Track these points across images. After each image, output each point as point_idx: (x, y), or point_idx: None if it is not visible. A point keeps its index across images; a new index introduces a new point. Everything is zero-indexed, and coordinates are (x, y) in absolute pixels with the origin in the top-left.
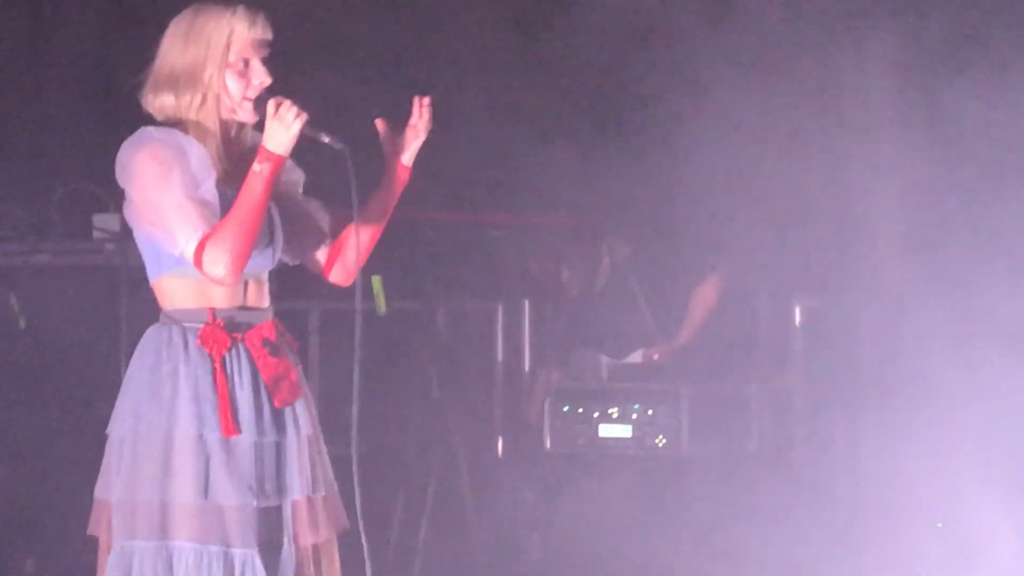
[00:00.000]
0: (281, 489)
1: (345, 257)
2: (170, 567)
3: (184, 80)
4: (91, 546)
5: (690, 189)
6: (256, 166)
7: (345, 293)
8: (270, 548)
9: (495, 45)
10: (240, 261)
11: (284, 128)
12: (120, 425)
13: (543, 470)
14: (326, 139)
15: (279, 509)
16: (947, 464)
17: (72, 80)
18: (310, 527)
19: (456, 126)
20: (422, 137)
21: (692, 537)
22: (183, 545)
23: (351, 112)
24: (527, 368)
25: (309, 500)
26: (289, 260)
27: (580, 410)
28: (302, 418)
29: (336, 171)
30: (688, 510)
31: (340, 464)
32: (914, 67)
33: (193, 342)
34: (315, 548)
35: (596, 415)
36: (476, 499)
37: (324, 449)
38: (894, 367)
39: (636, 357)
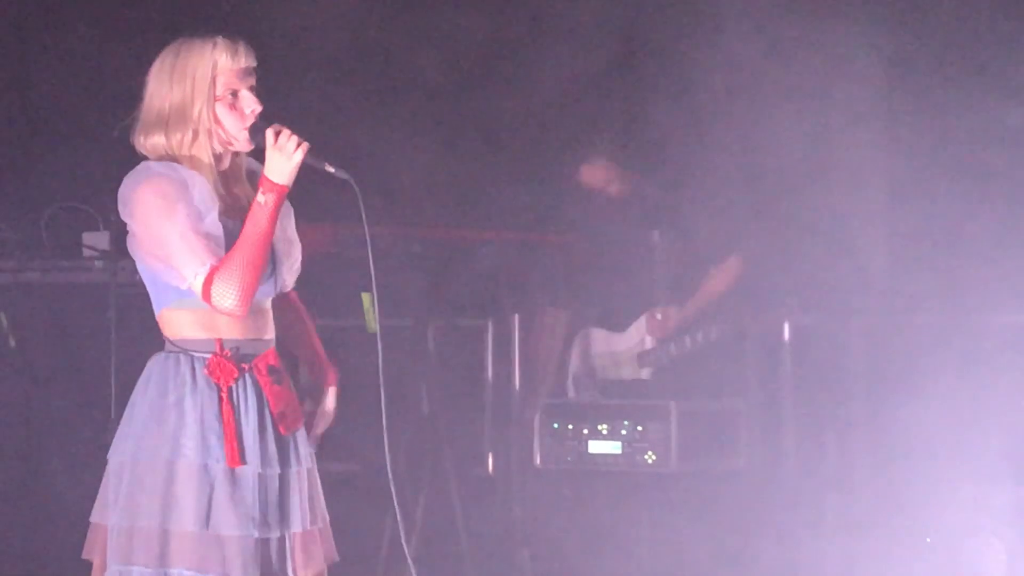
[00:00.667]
0: (283, 521)
1: (284, 312)
2: None
3: (173, 119)
4: (83, 565)
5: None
6: (260, 197)
7: (335, 310)
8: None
9: (477, 59)
10: (249, 293)
11: (285, 158)
12: (121, 451)
13: (533, 486)
14: (330, 169)
15: (281, 540)
16: (937, 479)
17: (62, 99)
18: (308, 560)
19: (445, 143)
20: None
21: (683, 553)
22: (183, 573)
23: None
24: (517, 384)
25: (307, 533)
26: (288, 286)
27: (570, 426)
28: (303, 448)
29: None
30: (678, 526)
31: (329, 480)
32: (905, 77)
33: (201, 372)
34: None
35: (586, 431)
36: (466, 515)
37: (318, 479)
38: (884, 383)
39: (639, 327)
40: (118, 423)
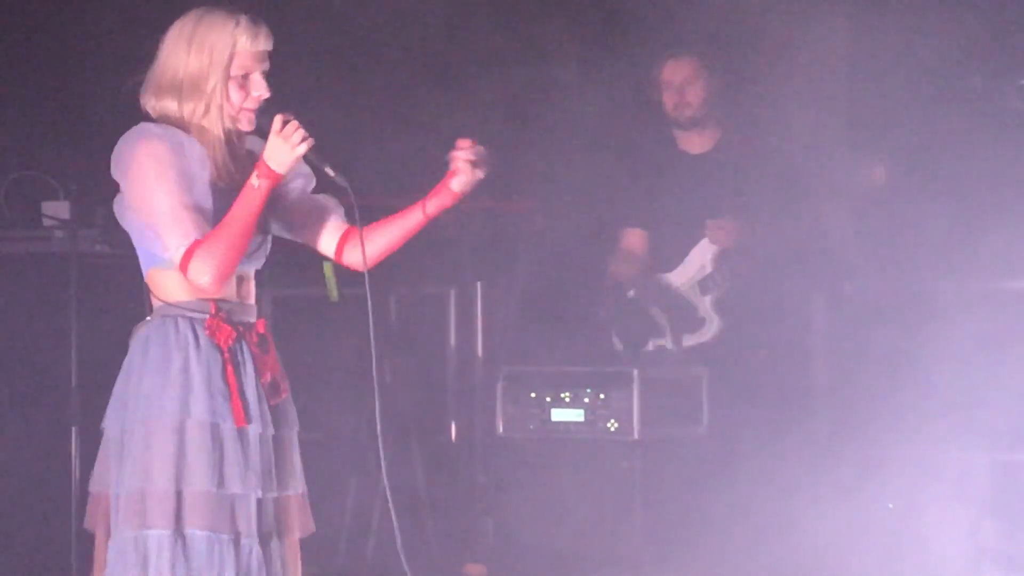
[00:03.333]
0: (281, 482)
1: (361, 248)
2: (184, 555)
3: (187, 88)
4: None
5: None
6: (254, 180)
7: (297, 279)
8: (263, 540)
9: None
10: (225, 274)
11: (288, 148)
12: (120, 417)
13: (496, 454)
14: (330, 172)
15: (271, 502)
16: (901, 445)
17: (18, 66)
18: (300, 523)
19: (408, 110)
20: (476, 175)
21: (646, 520)
22: (195, 533)
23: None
24: (480, 353)
25: (299, 496)
26: (300, 239)
27: (532, 394)
28: (292, 413)
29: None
30: (641, 494)
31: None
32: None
33: (202, 333)
34: (293, 543)
35: (548, 399)
36: (429, 483)
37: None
38: (846, 351)
39: (699, 250)
40: (80, 393)
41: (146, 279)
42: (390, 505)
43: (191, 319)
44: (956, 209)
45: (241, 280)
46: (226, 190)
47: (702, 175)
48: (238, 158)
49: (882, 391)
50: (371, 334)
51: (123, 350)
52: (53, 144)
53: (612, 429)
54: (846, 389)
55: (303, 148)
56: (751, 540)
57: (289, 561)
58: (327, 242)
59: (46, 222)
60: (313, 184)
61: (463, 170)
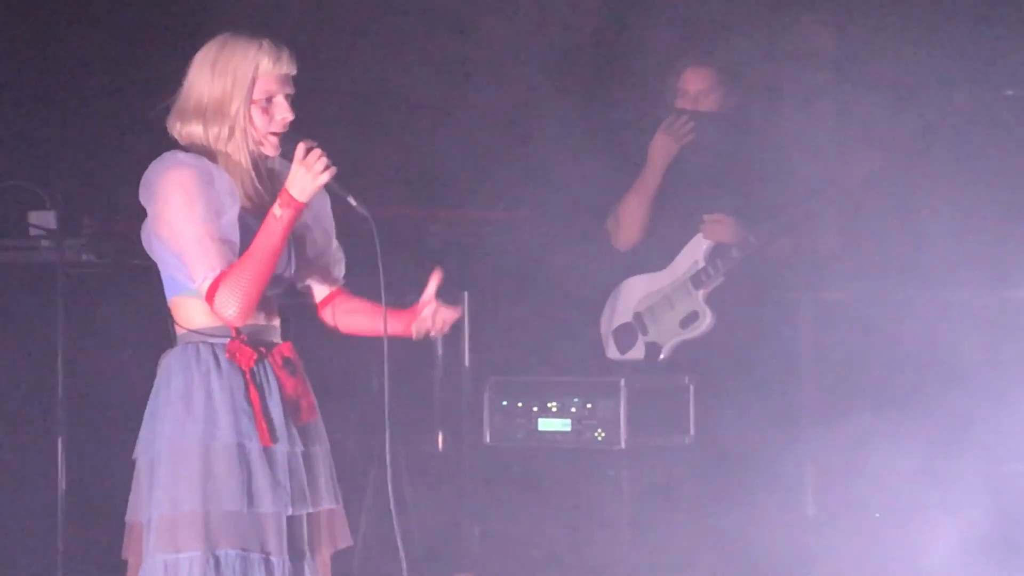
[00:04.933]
0: (312, 498)
1: (340, 320)
2: (217, 574)
3: (212, 112)
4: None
5: None
6: (277, 210)
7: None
8: (294, 557)
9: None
10: (251, 305)
11: (311, 177)
12: (150, 447)
13: (483, 463)
14: (352, 202)
15: (308, 518)
16: (887, 454)
17: (6, 76)
18: (332, 536)
19: (396, 121)
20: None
21: (633, 530)
22: (228, 553)
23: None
24: (467, 362)
25: (332, 510)
26: (298, 284)
27: (519, 404)
28: (322, 431)
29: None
30: (628, 503)
31: None
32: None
33: (223, 356)
34: (326, 560)
35: (535, 409)
36: (416, 492)
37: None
38: (830, 361)
39: (691, 247)
40: (66, 403)
41: (169, 306)
42: (393, 515)
43: (212, 344)
44: (945, 217)
45: (264, 302)
46: (255, 218)
47: (699, 171)
48: (264, 183)
49: (870, 399)
50: (384, 349)
51: (109, 360)
52: (40, 154)
53: (599, 438)
54: (834, 397)
55: (325, 177)
56: (738, 550)
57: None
58: (314, 294)
59: (32, 232)
60: (333, 237)
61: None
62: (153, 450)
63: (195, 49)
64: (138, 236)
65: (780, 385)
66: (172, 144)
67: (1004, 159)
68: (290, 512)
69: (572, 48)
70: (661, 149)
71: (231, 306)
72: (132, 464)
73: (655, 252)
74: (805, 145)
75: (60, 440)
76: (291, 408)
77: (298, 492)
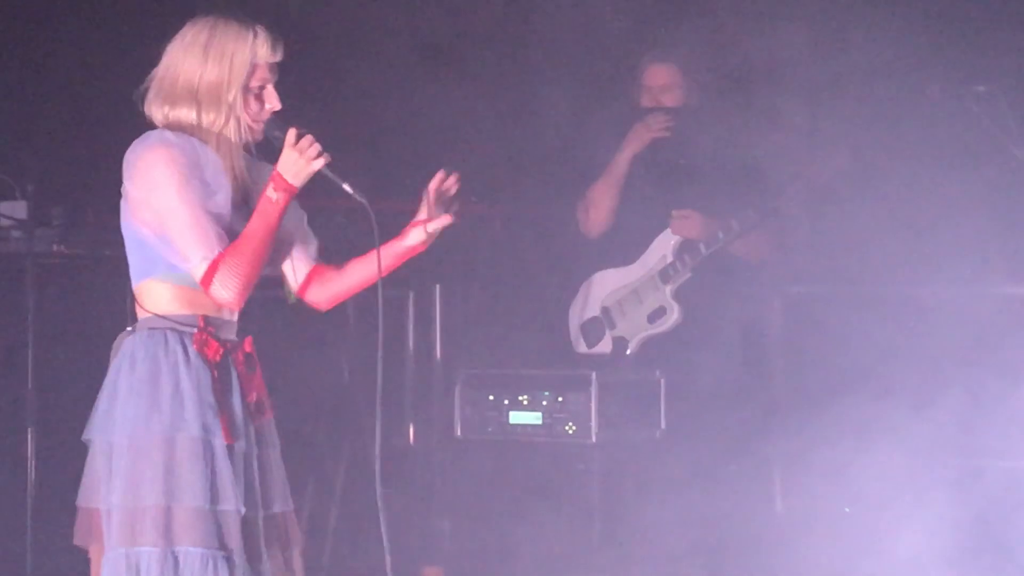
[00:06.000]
0: (265, 501)
1: (328, 289)
2: (176, 572)
3: (207, 97)
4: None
5: None
6: (272, 194)
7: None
8: (251, 559)
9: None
10: (249, 287)
11: (304, 161)
12: (108, 430)
13: (454, 457)
14: (348, 189)
15: (257, 520)
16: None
17: None
18: (288, 540)
19: (363, 111)
20: (447, 220)
21: (603, 523)
22: (189, 550)
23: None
24: (438, 355)
25: (285, 514)
26: (268, 270)
27: (490, 397)
28: (274, 432)
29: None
30: (598, 496)
31: None
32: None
33: (191, 348)
34: (282, 562)
35: (506, 402)
36: (386, 486)
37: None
38: (800, 355)
39: (659, 243)
40: (36, 394)
41: (135, 288)
42: (380, 510)
43: (180, 333)
44: (916, 212)
45: None
46: (240, 202)
47: (668, 166)
48: (251, 169)
49: (840, 394)
50: (379, 345)
51: (79, 351)
52: (10, 143)
53: (570, 432)
54: (804, 391)
55: (319, 163)
56: (708, 543)
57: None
58: (295, 275)
59: (2, 222)
60: (304, 218)
61: (438, 215)
62: (112, 434)
63: (164, 40)
64: (109, 227)
65: (749, 380)
66: (145, 130)
67: (976, 154)
68: (242, 512)
69: (542, 43)
70: (634, 139)
71: (230, 288)
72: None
73: (625, 246)
74: (773, 142)
75: (30, 431)
76: (250, 406)
77: (251, 493)
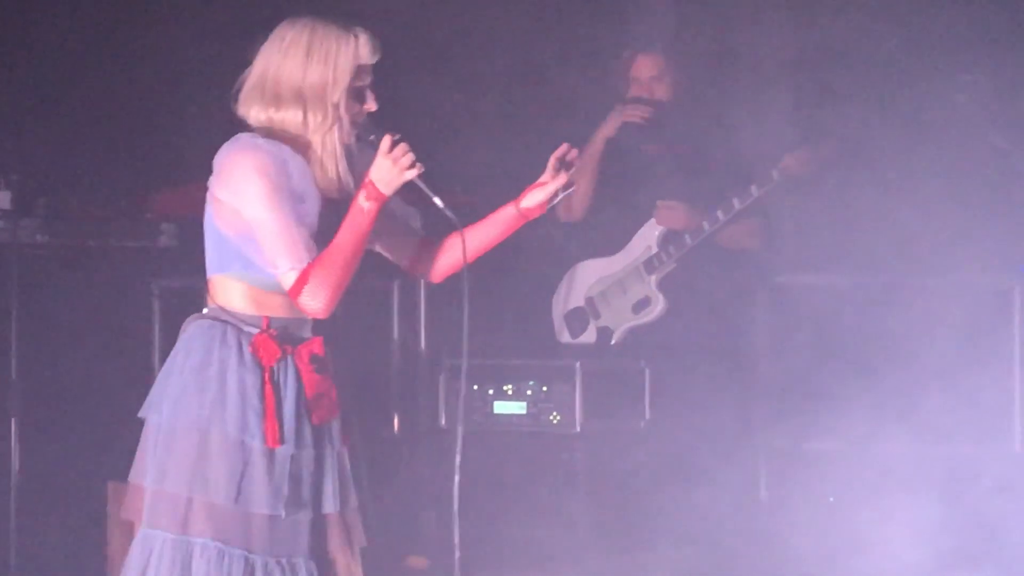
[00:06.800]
0: (317, 501)
1: (438, 261)
2: (188, 562)
3: (312, 99)
4: None
5: None
6: (363, 202)
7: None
8: (303, 559)
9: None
10: (338, 296)
11: (397, 170)
12: (157, 412)
13: (438, 447)
14: (439, 202)
15: (316, 521)
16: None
17: None
18: (343, 540)
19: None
20: (563, 179)
21: (588, 513)
22: (206, 543)
23: None
24: (423, 345)
25: (341, 514)
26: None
27: (475, 387)
28: (336, 433)
29: None
30: (583, 486)
31: None
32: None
33: (246, 347)
34: (343, 562)
35: (491, 392)
36: (372, 476)
37: (347, 463)
38: (785, 346)
39: (642, 236)
40: (20, 383)
41: (210, 278)
42: (454, 515)
43: (240, 331)
44: (898, 202)
45: None
46: (336, 203)
47: (653, 156)
48: (352, 170)
49: (824, 383)
50: (464, 336)
51: (64, 341)
52: None
53: (554, 421)
54: (789, 381)
55: (412, 173)
56: (692, 532)
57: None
58: (401, 253)
59: None
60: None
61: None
62: (159, 414)
63: (146, 29)
64: (93, 217)
65: (735, 370)
66: (130, 126)
67: (959, 144)
68: (283, 515)
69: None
70: (609, 123)
71: (319, 299)
72: (91, 442)
73: (609, 236)
74: (759, 133)
75: (14, 421)
76: (309, 408)
77: (302, 495)
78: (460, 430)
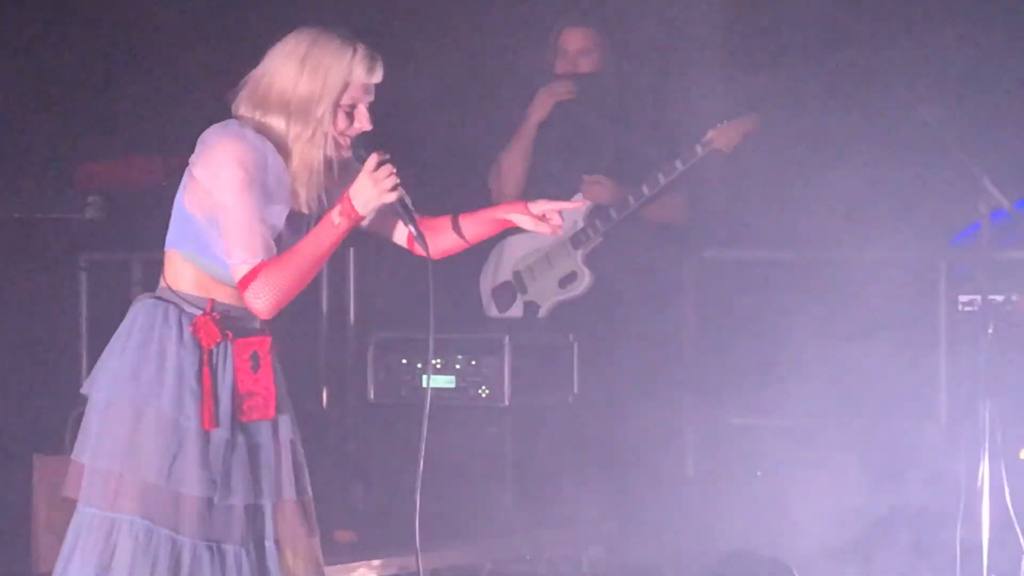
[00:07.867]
0: (259, 490)
1: (434, 243)
2: (115, 539)
3: (297, 110)
4: None
5: None
6: (336, 217)
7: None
8: (251, 546)
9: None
10: (283, 303)
11: (377, 191)
12: (97, 389)
13: (367, 421)
14: (413, 231)
15: (259, 508)
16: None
17: None
18: (298, 529)
19: None
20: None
21: (516, 487)
22: (134, 520)
23: None
24: (352, 319)
25: (292, 503)
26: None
27: (404, 360)
28: (283, 424)
29: None
30: (511, 460)
31: None
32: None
33: (187, 328)
34: (301, 549)
35: (419, 365)
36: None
37: (302, 452)
38: (713, 321)
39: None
40: None
41: (166, 251)
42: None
43: (181, 312)
44: (826, 178)
45: None
46: (307, 216)
47: (579, 130)
48: (331, 184)
49: (751, 359)
50: (430, 323)
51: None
52: None
53: (483, 395)
54: (716, 355)
55: (391, 197)
56: (620, 506)
57: (309, 564)
58: (400, 234)
59: None
60: None
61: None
62: (94, 390)
63: (111, 15)
64: (43, 193)
65: (662, 344)
66: (59, 96)
67: (890, 117)
68: (215, 500)
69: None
70: (538, 105)
71: (262, 299)
72: (17, 415)
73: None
74: (685, 107)
75: None
76: (238, 403)
77: (237, 482)
78: (426, 415)
